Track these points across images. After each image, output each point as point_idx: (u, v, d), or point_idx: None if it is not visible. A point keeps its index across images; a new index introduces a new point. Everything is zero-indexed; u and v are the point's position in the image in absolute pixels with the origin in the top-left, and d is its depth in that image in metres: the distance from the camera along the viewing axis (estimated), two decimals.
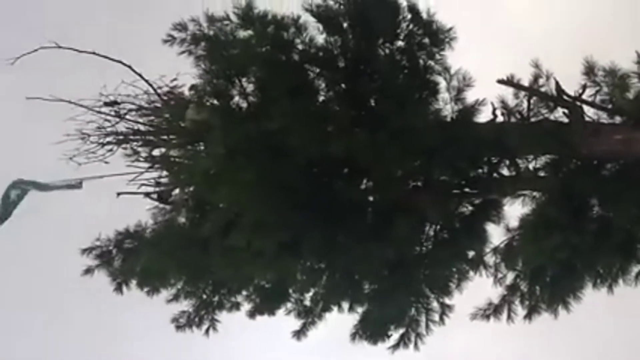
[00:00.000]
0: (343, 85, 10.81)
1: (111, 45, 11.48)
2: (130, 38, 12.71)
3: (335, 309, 11.44)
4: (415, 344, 11.48)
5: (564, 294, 11.27)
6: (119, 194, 11.25)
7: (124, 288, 11.57)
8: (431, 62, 10.85)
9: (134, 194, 11.26)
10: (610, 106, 11.01)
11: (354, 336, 11.45)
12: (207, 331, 11.65)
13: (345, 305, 11.37)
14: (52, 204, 11.91)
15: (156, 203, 11.27)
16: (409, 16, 10.81)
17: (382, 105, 10.67)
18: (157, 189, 11.30)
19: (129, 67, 11.35)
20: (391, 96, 10.62)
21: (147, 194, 11.27)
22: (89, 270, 11.52)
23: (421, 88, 10.82)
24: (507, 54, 13.33)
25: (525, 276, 11.37)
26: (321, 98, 10.84)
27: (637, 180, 10.98)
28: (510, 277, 11.44)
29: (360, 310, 11.38)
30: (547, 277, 11.27)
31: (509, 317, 11.46)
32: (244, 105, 10.83)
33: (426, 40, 10.84)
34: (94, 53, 11.35)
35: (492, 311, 11.48)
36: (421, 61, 10.86)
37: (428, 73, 10.86)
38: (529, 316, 11.48)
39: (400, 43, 10.86)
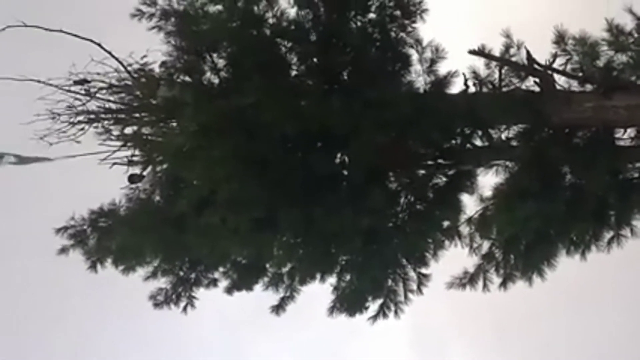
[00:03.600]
0: (315, 59, 10.78)
1: (79, 23, 11.35)
2: (98, 15, 12.53)
3: (312, 282, 11.50)
4: (396, 313, 11.58)
5: (538, 261, 11.36)
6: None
7: (99, 267, 11.54)
8: (403, 35, 10.85)
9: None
10: (580, 74, 11.07)
11: (331, 310, 11.52)
12: (184, 308, 11.67)
13: (323, 277, 11.42)
14: (24, 184, 11.81)
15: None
16: None
17: (354, 78, 10.67)
18: (129, 172, 11.23)
19: (98, 44, 11.22)
20: (363, 69, 10.62)
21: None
22: (63, 250, 11.47)
23: (393, 61, 10.82)
24: (478, 24, 13.33)
25: (499, 245, 11.48)
26: (293, 73, 10.81)
27: (607, 148, 11.10)
28: (485, 246, 11.55)
29: (337, 282, 11.44)
30: (521, 246, 11.37)
31: (484, 285, 11.59)
32: (216, 81, 10.78)
33: (398, 12, 10.82)
34: (61, 31, 11.21)
35: (467, 280, 11.59)
36: (393, 33, 10.85)
37: (400, 45, 10.86)
38: (504, 284, 11.60)
39: (371, 15, 10.83)
